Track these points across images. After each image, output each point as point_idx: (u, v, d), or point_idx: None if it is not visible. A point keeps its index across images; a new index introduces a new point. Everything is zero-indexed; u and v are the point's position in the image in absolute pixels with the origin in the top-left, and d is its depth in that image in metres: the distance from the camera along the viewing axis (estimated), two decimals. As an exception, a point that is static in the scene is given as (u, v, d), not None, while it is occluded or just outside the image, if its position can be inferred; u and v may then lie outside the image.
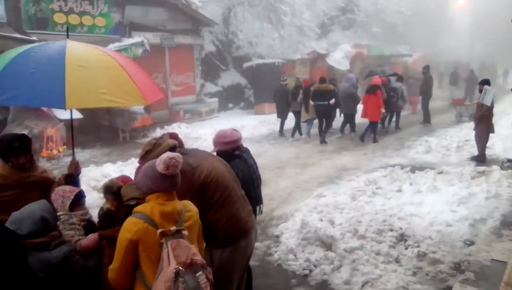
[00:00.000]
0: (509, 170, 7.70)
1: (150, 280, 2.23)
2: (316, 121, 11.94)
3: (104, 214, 2.80)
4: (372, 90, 11.34)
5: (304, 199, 6.68)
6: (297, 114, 12.05)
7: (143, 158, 2.92)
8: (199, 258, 2.20)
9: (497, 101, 11.91)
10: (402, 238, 5.17)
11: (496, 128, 9.32)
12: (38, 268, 2.35)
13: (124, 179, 3.02)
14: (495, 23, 26.12)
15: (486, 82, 9.03)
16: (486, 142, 9.03)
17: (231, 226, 2.97)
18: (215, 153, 3.53)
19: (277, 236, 5.45)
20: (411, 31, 27.92)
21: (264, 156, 9.93)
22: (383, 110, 11.53)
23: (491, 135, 9.11)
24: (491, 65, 27.45)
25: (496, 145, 9.81)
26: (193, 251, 2.20)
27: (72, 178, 3.39)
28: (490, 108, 8.77)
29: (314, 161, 9.56)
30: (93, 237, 2.73)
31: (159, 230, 2.18)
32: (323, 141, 11.44)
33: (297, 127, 12.24)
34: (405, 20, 25.66)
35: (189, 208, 2.44)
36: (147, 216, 2.24)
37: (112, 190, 2.82)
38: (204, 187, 2.88)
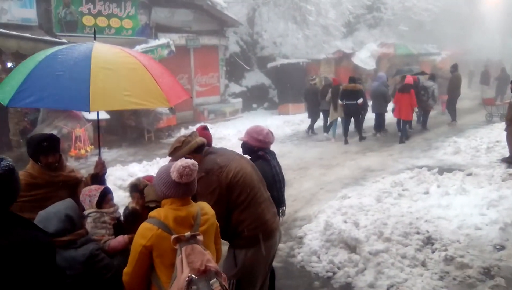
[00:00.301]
0: (543, 173, 7.43)
1: (165, 285, 2.22)
2: (339, 121, 11.89)
3: (130, 213, 2.82)
4: (405, 89, 11.28)
5: (328, 201, 6.62)
6: (326, 113, 12.15)
7: (172, 155, 2.94)
8: (213, 264, 2.18)
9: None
10: (429, 241, 5.08)
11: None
12: (65, 266, 2.37)
13: (150, 178, 3.00)
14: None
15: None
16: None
17: (256, 227, 2.96)
18: (241, 142, 3.60)
19: (301, 237, 5.42)
20: (439, 29, 27.11)
21: (288, 157, 9.90)
22: (416, 109, 11.50)
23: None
24: None
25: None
26: (208, 257, 2.18)
27: (98, 177, 3.43)
28: None
29: (339, 162, 9.47)
30: (122, 239, 2.74)
31: (173, 236, 2.17)
32: (346, 142, 11.42)
33: (326, 124, 12.33)
34: (433, 17, 24.94)
35: (205, 210, 2.42)
36: (161, 221, 2.23)
37: (138, 188, 2.84)
38: (231, 187, 2.88)
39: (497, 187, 6.79)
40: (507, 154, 8.80)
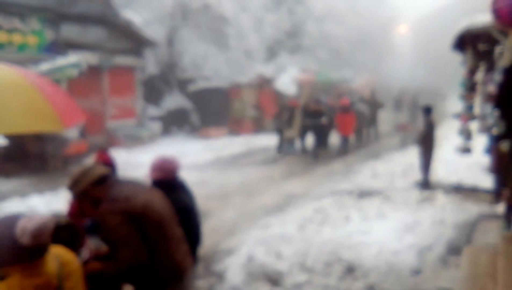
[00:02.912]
0: (453, 195, 7.91)
1: None
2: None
3: None
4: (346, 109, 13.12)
5: (250, 230, 6.44)
6: (280, 132, 13.24)
7: (72, 189, 2.64)
8: None
9: (439, 126, 12.34)
10: (350, 269, 5.13)
11: (438, 152, 9.55)
12: None
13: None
14: (436, 49, 27.73)
15: (427, 108, 9.25)
16: (430, 167, 9.20)
17: (163, 268, 2.67)
18: (150, 180, 3.31)
19: (221, 272, 5.16)
20: (356, 56, 29.00)
21: (209, 184, 9.53)
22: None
23: (434, 160, 9.31)
24: (435, 90, 28.89)
25: (440, 170, 10.05)
26: None
27: None
28: (429, 134, 8.99)
29: (262, 188, 9.32)
30: None
31: None
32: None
33: (280, 144, 13.39)
34: (350, 45, 26.65)
35: (64, 259, 2.02)
36: None
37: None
38: (136, 220, 2.57)
39: (412, 211, 7.12)
40: (420, 178, 9.23)
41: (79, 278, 2.08)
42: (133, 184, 2.79)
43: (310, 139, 13.31)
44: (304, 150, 13.21)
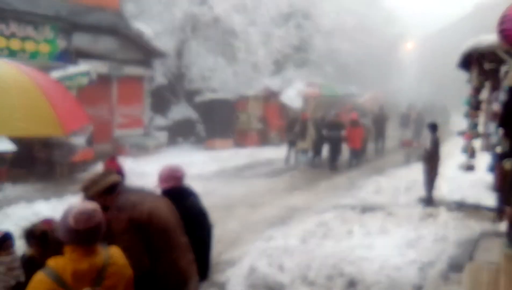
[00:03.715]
0: (455, 212, 7.90)
1: None
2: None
3: (26, 262, 2.56)
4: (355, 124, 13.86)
5: (253, 242, 6.49)
6: (292, 144, 13.86)
7: (84, 193, 2.71)
8: None
9: (443, 143, 12.38)
10: (352, 283, 5.15)
11: (442, 169, 9.58)
12: None
13: (48, 222, 2.76)
14: (442, 67, 27.82)
15: (433, 125, 9.30)
16: (434, 183, 9.22)
17: (167, 276, 2.71)
18: (161, 190, 3.34)
19: (223, 283, 5.20)
20: (362, 71, 29.18)
21: (213, 195, 9.57)
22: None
23: (438, 177, 9.33)
24: (441, 107, 28.87)
25: (443, 187, 10.07)
26: None
27: None
28: (434, 151, 9.03)
29: (265, 201, 9.37)
30: None
31: None
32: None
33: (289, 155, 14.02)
34: (356, 60, 26.86)
35: (114, 260, 2.14)
36: (57, 275, 1.95)
37: (35, 235, 2.59)
38: (143, 228, 2.64)
39: (415, 227, 7.14)
40: (424, 194, 9.25)
41: (122, 280, 2.15)
42: (140, 193, 2.85)
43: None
44: (319, 161, 13.77)
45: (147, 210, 2.68)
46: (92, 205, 2.09)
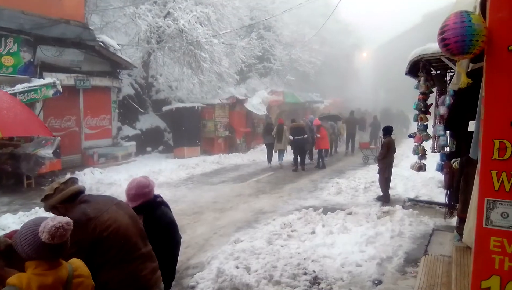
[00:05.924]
0: (410, 209, 8.37)
1: None
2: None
3: None
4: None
5: (221, 245, 6.62)
6: (270, 146, 15.32)
7: (43, 202, 2.68)
8: None
9: (398, 145, 13.06)
10: (315, 281, 5.32)
11: (397, 170, 10.15)
12: None
13: (13, 235, 2.60)
14: (396, 74, 28.99)
15: (385, 129, 9.90)
16: (389, 183, 9.77)
17: (127, 286, 2.68)
18: (131, 206, 3.21)
19: (192, 287, 5.30)
20: (322, 79, 30.15)
21: (182, 201, 9.77)
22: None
23: (393, 176, 9.92)
24: (398, 112, 30.05)
25: (398, 186, 10.67)
26: None
27: None
28: (386, 152, 9.60)
29: (232, 205, 9.60)
30: None
31: None
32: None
33: (270, 156, 15.49)
34: (316, 69, 27.74)
35: (79, 272, 2.15)
36: None
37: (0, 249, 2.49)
38: (98, 241, 2.59)
39: (373, 225, 7.43)
40: (381, 193, 9.79)
41: None
42: (101, 202, 2.77)
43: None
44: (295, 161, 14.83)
45: (104, 224, 2.62)
46: (66, 220, 2.05)
